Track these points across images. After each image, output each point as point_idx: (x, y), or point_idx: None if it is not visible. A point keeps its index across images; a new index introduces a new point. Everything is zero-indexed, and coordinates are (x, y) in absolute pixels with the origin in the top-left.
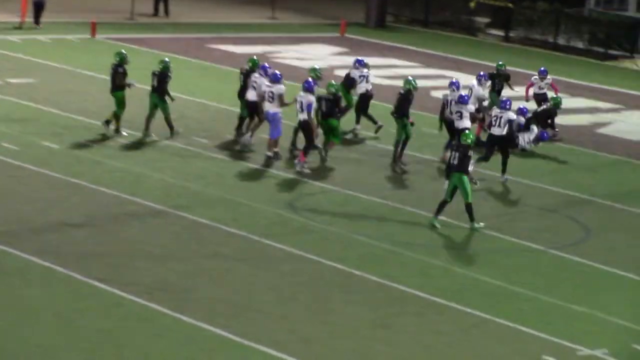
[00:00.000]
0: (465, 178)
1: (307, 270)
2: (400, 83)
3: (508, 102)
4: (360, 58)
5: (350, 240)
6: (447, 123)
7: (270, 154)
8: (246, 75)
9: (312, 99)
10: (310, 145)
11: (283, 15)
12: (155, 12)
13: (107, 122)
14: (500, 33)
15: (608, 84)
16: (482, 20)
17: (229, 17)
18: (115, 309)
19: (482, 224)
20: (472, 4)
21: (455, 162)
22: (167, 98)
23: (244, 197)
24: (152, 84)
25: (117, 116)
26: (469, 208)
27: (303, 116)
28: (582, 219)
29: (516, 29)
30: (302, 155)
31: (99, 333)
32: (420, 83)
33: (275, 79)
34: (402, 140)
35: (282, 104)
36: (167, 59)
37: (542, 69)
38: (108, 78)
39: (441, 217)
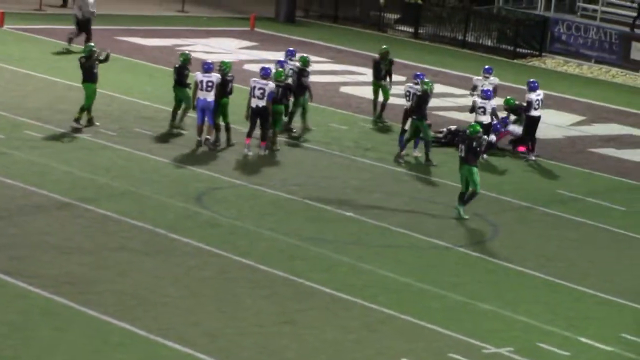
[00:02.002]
0: (475, 169)
1: (213, 264)
2: (313, 79)
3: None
4: (291, 49)
5: (257, 235)
6: (407, 115)
7: (209, 137)
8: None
9: (273, 86)
10: (268, 130)
11: (193, 9)
12: (64, 3)
13: (77, 120)
14: (410, 29)
15: (517, 82)
16: (392, 16)
17: (138, 9)
18: (20, 302)
19: (467, 217)
20: (382, 1)
21: (463, 154)
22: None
23: (150, 190)
24: (174, 77)
25: (86, 108)
26: (472, 196)
27: (262, 102)
28: (490, 217)
29: (426, 26)
30: (263, 141)
31: (3, 326)
32: (329, 79)
33: (208, 69)
34: (425, 141)
35: (218, 92)
36: (187, 52)
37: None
38: (15, 68)
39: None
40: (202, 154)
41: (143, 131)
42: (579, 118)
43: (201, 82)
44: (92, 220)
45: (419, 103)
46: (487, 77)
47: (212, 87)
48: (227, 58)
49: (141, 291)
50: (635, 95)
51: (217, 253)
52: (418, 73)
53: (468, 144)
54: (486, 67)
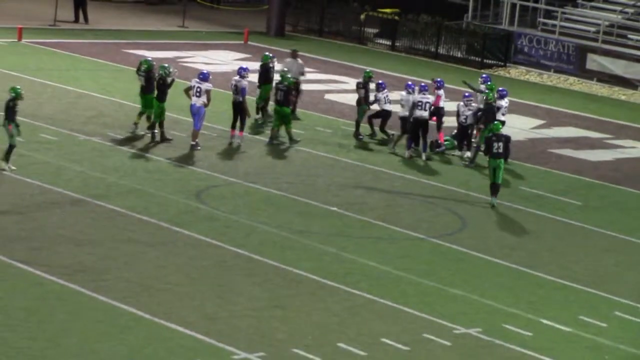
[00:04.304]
0: (503, 162)
1: (211, 254)
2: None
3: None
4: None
5: (251, 228)
6: (403, 121)
7: (193, 142)
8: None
9: (246, 84)
10: (244, 123)
11: (192, 24)
12: (76, 19)
13: (151, 128)
14: (388, 42)
15: None
16: (371, 30)
17: (143, 24)
18: (37, 289)
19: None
20: (362, 16)
21: (501, 150)
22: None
23: (155, 188)
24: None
25: (147, 116)
26: (497, 187)
27: (239, 98)
28: (459, 210)
29: (401, 39)
30: (240, 132)
31: (21, 310)
32: (315, 87)
33: (204, 78)
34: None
35: (208, 100)
36: (292, 78)
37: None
38: (32, 78)
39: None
40: (201, 155)
41: (148, 135)
42: (539, 122)
43: (192, 87)
44: (102, 215)
45: (485, 112)
46: (482, 83)
47: (200, 93)
48: (223, 68)
49: (146, 279)
50: (590, 101)
51: (215, 244)
52: (423, 84)
53: (505, 140)
54: (484, 75)
